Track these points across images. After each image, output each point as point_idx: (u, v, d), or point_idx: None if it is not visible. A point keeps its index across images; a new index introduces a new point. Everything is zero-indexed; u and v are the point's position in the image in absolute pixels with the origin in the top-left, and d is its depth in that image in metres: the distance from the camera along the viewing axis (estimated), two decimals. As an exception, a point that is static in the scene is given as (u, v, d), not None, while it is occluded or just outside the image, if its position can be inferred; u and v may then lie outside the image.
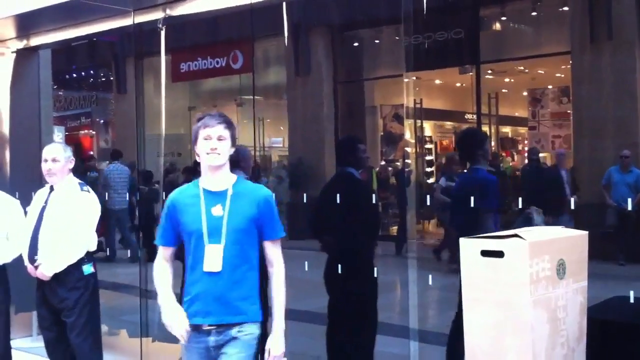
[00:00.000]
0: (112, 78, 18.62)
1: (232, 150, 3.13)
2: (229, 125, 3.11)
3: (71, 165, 4.44)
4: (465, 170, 5.08)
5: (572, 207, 6.29)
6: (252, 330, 3.06)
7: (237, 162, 5.50)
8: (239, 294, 3.01)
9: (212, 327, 3.04)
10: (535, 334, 2.55)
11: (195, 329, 3.05)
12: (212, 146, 3.02)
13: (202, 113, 3.15)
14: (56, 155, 4.36)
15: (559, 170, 9.41)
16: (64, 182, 4.38)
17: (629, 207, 9.01)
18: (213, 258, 2.99)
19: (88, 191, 4.42)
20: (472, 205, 4.56)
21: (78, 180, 4.47)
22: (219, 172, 3.07)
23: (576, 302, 2.75)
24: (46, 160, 4.36)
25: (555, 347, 2.61)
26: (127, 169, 11.84)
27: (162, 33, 5.95)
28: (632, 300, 3.69)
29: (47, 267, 4.21)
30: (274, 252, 3.15)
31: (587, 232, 2.95)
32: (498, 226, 4.57)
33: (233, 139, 3.12)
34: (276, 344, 3.07)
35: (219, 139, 3.03)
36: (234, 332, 3.02)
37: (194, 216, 3.04)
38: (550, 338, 2.60)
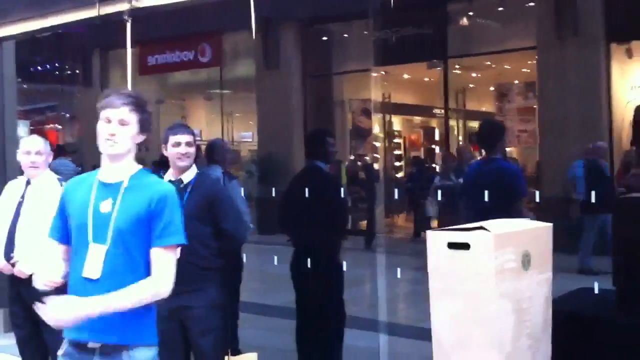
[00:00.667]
0: (78, 71, 18.36)
1: (142, 138, 2.65)
2: (138, 107, 2.59)
3: (50, 159, 4.39)
4: (477, 161, 5.16)
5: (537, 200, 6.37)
6: (145, 356, 2.53)
7: (211, 156, 5.50)
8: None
9: (96, 346, 2.51)
10: (500, 324, 2.58)
11: (78, 346, 2.55)
12: (111, 131, 2.53)
13: (112, 89, 2.69)
14: (40, 148, 4.29)
15: (602, 163, 9.51)
16: (43, 177, 4.31)
17: (593, 201, 9.12)
18: (94, 261, 2.49)
19: None
20: (496, 194, 4.66)
21: (57, 176, 4.40)
22: (118, 162, 2.58)
23: (541, 293, 2.79)
24: (29, 153, 4.27)
25: (521, 337, 2.65)
26: (72, 165, 11.71)
27: (128, 25, 5.88)
28: (596, 292, 3.76)
29: (26, 265, 4.13)
30: (158, 261, 2.52)
31: (551, 225, 2.99)
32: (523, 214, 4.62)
33: (143, 124, 2.61)
34: (79, 304, 2.41)
35: (121, 123, 2.54)
36: (124, 357, 2.49)
37: (80, 209, 2.57)
38: (516, 328, 2.63)
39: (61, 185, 4.31)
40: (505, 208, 4.32)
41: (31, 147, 4.28)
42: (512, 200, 4.69)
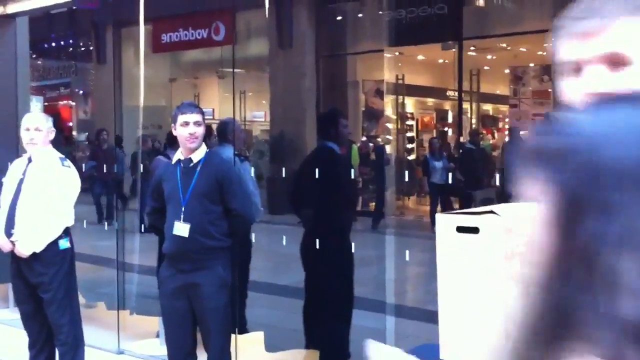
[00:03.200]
0: (91, 47, 18.36)
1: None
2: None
3: (52, 136, 4.35)
4: None
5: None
6: None
7: (222, 135, 5.49)
8: None
9: None
10: (508, 309, 2.57)
11: None
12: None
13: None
14: (39, 124, 4.28)
15: None
16: (44, 154, 4.29)
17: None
18: None
19: (69, 166, 4.33)
20: None
21: (59, 155, 4.38)
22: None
23: (549, 278, 2.77)
24: (28, 129, 4.26)
25: (528, 322, 2.64)
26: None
27: (142, 2, 5.85)
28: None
29: (26, 245, 4.15)
30: None
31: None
32: None
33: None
34: None
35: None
36: None
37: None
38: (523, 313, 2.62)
39: (63, 164, 4.30)
40: None
41: (30, 124, 4.26)
42: None
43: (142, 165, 6.70)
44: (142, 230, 6.21)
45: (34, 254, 4.17)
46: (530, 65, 13.46)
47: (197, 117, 3.73)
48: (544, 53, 13.07)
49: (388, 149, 14.60)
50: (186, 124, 3.70)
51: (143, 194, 5.72)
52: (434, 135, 16.80)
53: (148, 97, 6.87)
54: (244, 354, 4.70)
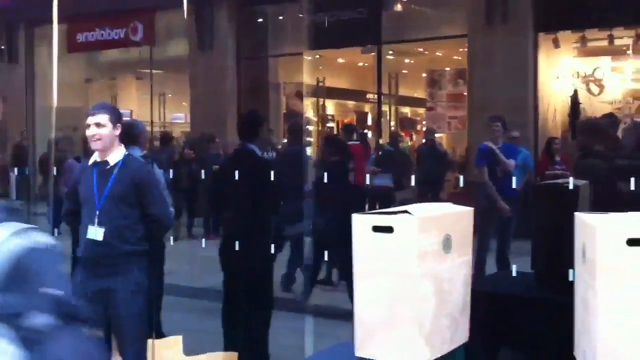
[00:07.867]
0: (3, 47, 17.68)
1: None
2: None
3: None
4: None
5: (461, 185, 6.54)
6: None
7: (129, 137, 5.36)
8: None
9: None
10: (422, 305, 2.64)
11: None
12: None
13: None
14: None
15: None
16: None
17: (514, 186, 9.33)
18: None
19: None
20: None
21: None
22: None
23: (461, 275, 2.86)
24: None
25: (440, 317, 2.72)
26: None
27: (55, 0, 5.70)
28: (514, 274, 3.88)
29: None
30: None
31: (472, 209, 3.06)
32: None
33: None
34: None
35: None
36: None
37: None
38: (436, 309, 2.69)
39: None
40: None
41: None
42: None
43: (55, 168, 6.52)
44: (55, 235, 6.04)
45: None
46: (446, 69, 13.81)
47: (98, 118, 3.63)
48: (459, 57, 13.45)
49: (308, 151, 14.65)
50: (88, 125, 3.64)
51: (56, 197, 5.56)
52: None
53: (62, 98, 6.69)
54: (162, 359, 4.64)
